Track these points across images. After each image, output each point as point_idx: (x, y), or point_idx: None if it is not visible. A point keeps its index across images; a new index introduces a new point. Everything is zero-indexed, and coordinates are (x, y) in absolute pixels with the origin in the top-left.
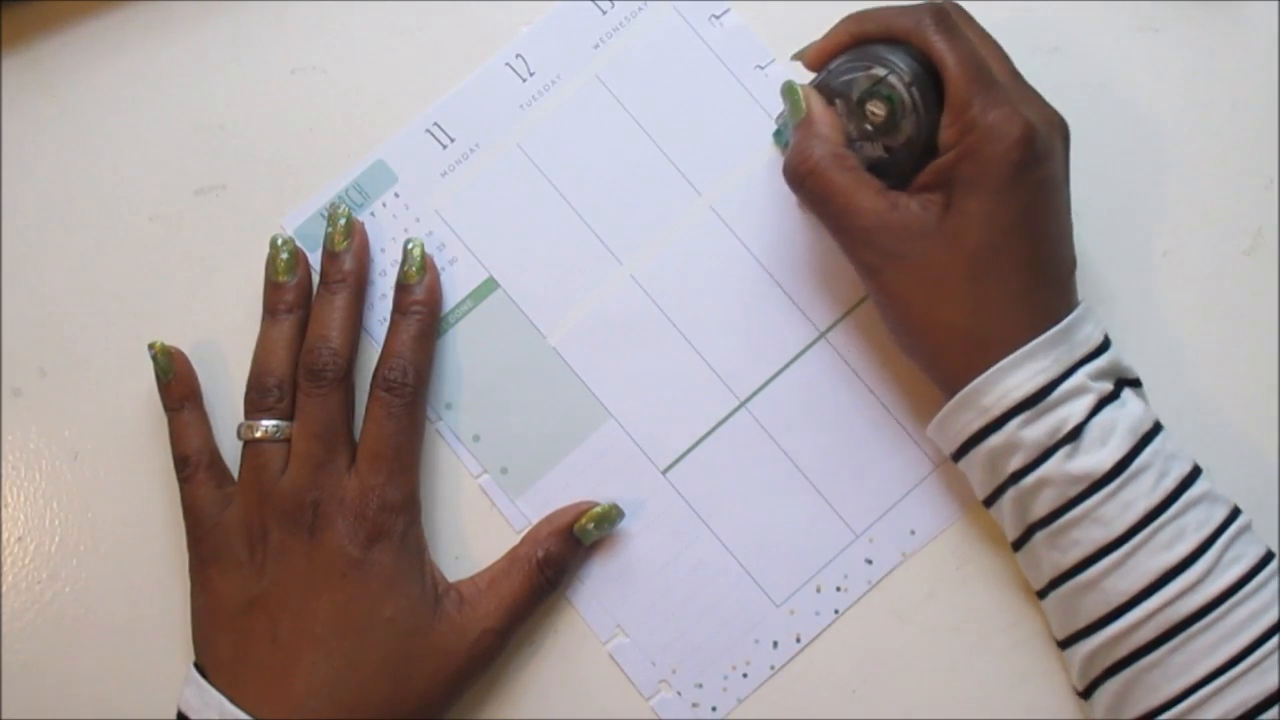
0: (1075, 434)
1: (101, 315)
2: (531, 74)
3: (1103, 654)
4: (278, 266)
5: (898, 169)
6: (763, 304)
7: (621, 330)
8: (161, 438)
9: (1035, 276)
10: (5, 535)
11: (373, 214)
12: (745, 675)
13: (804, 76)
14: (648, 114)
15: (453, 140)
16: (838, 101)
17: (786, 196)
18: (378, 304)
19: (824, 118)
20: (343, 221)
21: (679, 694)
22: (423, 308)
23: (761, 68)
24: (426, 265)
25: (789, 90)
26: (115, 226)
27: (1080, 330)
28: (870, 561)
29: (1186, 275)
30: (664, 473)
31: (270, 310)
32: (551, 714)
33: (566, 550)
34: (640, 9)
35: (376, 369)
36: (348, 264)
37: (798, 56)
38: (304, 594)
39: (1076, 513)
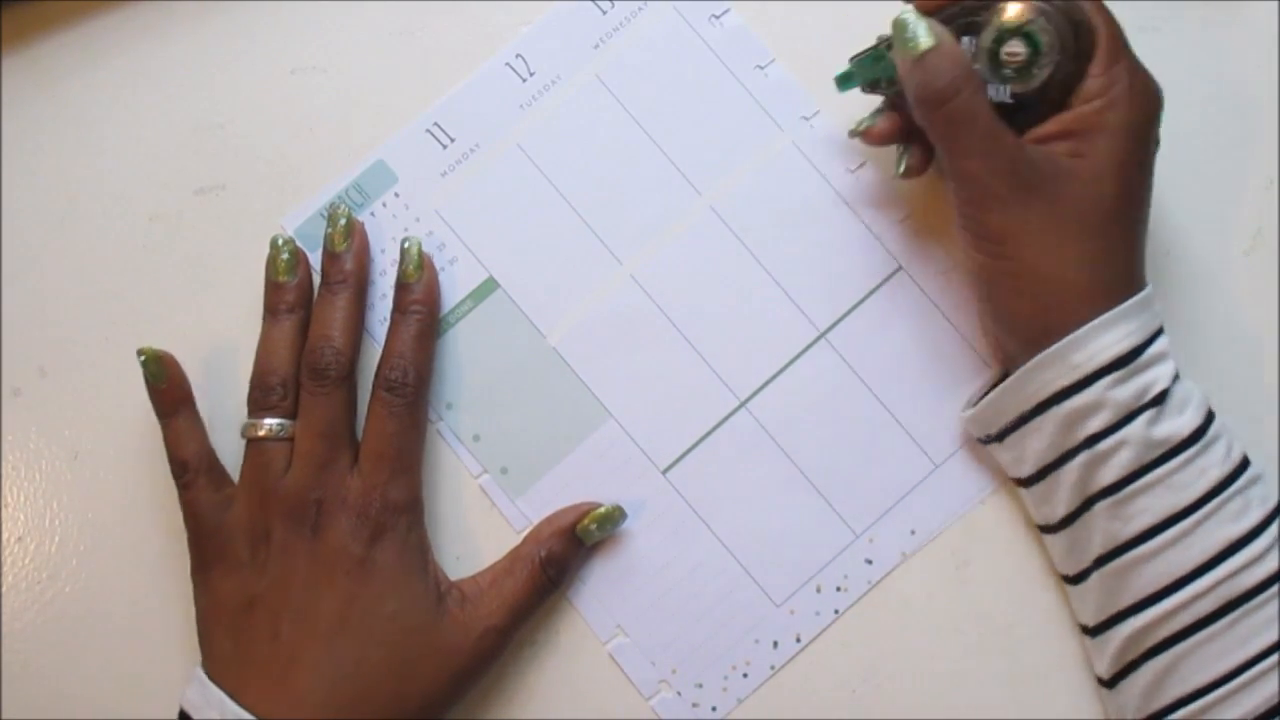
0: (1162, 398)
1: (101, 315)
2: (531, 74)
3: (1150, 632)
4: (278, 267)
5: (1022, 117)
6: (763, 304)
7: (621, 330)
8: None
9: (1137, 237)
10: (5, 535)
11: (373, 214)
12: (745, 675)
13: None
14: (648, 114)
15: (453, 140)
16: (964, 39)
17: (787, 196)
18: (378, 304)
19: (955, 46)
20: (343, 222)
21: (679, 694)
22: (421, 307)
23: (761, 68)
24: (424, 264)
25: (905, 20)
26: (115, 226)
27: (1155, 302)
28: (870, 561)
29: (1186, 275)
30: (664, 473)
31: (271, 310)
32: (551, 714)
33: (568, 550)
34: (640, 9)
35: (378, 369)
36: (348, 264)
37: None
38: (306, 592)
39: (1151, 477)
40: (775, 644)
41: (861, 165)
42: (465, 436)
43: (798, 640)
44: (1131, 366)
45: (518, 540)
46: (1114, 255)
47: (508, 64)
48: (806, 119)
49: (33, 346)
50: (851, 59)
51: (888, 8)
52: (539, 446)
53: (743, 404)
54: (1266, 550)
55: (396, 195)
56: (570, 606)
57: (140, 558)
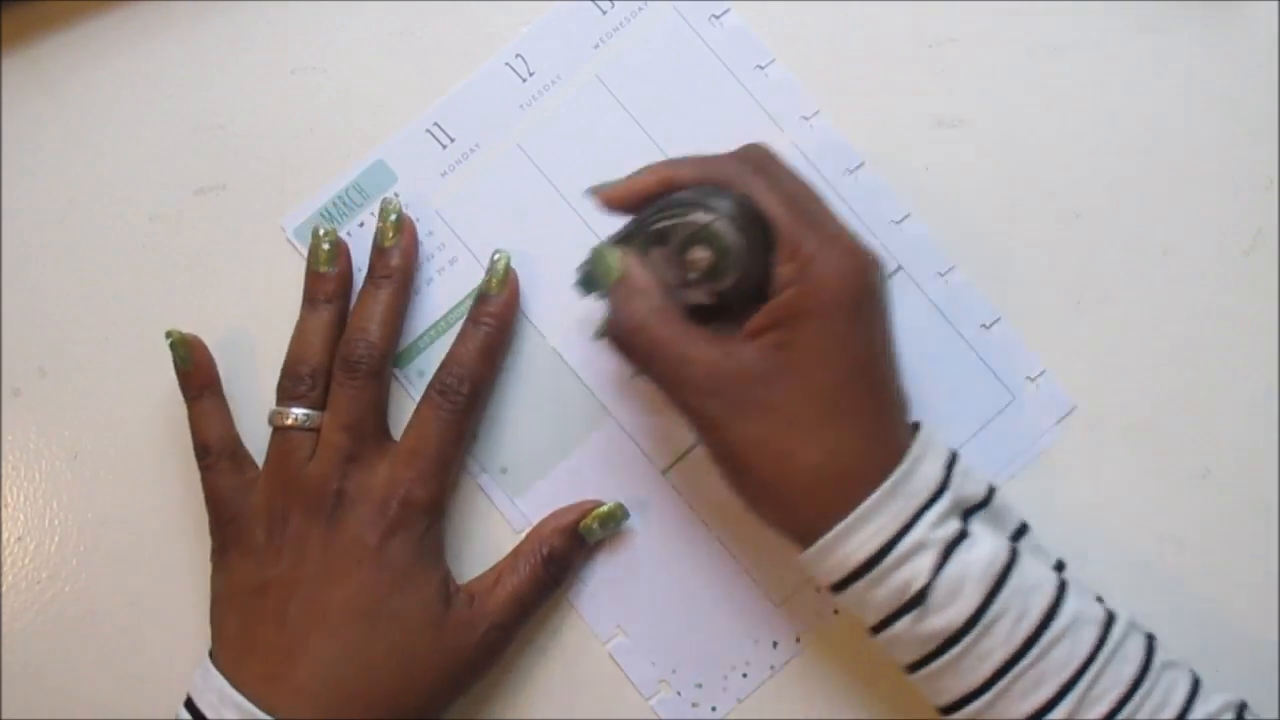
0: (921, 596)
1: (101, 315)
2: (531, 74)
3: None
4: (320, 257)
5: (726, 314)
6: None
7: None
8: (161, 437)
9: (884, 406)
10: (5, 535)
11: (372, 213)
12: (745, 675)
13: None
14: (648, 114)
15: (453, 140)
16: (653, 250)
17: None
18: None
19: (641, 272)
20: (393, 217)
21: (679, 694)
22: (493, 320)
23: (761, 68)
24: (509, 280)
25: (600, 253)
26: (115, 226)
27: (919, 472)
28: None
29: (1186, 275)
30: (664, 473)
31: (310, 299)
32: (552, 714)
33: (571, 548)
34: (640, 9)
35: (437, 371)
36: (395, 259)
37: (596, 192)
38: (317, 580)
39: (935, 666)
40: (775, 644)
41: (861, 165)
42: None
43: (797, 640)
44: (881, 568)
45: (518, 540)
46: (851, 439)
47: (508, 64)
48: (806, 119)
49: (33, 346)
50: (577, 269)
51: (888, 7)
52: (539, 446)
53: None
54: (1069, 717)
55: (396, 195)
56: (570, 606)
57: (140, 557)
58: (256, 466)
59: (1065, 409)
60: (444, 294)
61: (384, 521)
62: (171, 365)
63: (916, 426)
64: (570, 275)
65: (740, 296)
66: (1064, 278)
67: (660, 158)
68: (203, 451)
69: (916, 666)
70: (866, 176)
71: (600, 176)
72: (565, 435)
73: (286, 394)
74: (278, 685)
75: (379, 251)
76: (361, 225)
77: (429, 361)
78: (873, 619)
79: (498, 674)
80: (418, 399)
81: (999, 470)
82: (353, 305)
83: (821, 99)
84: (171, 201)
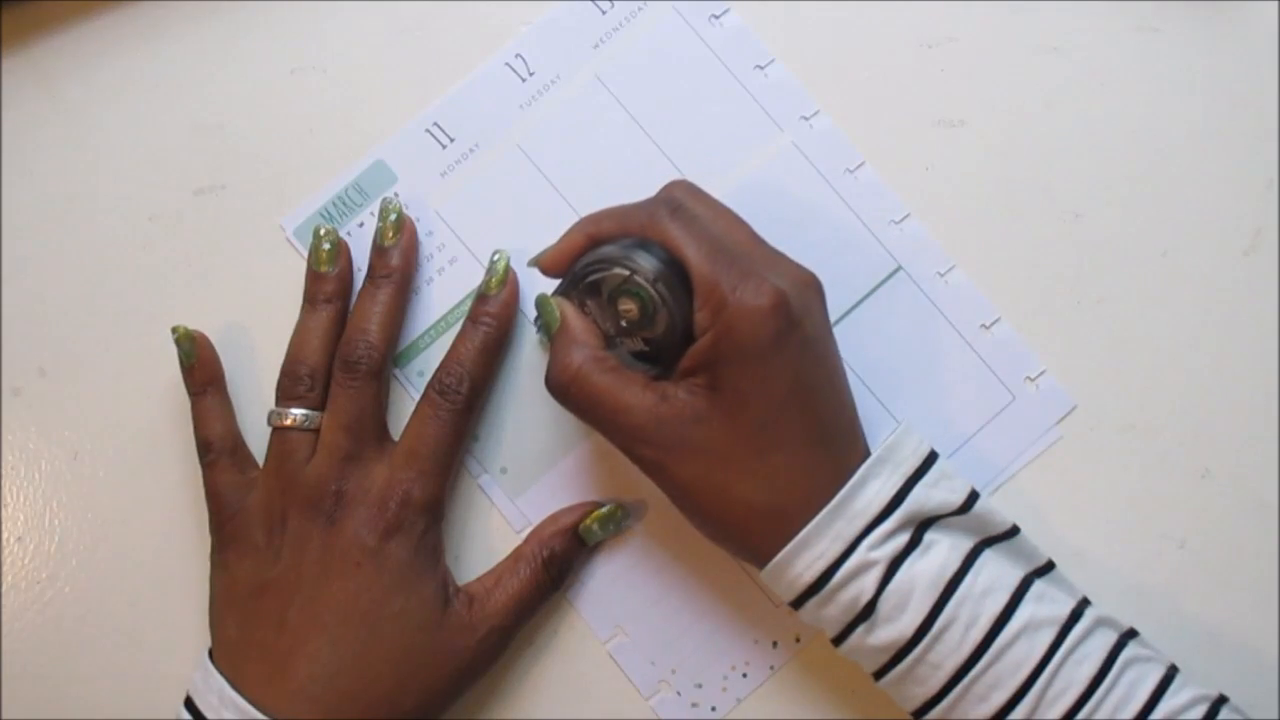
0: (869, 610)
1: (101, 315)
2: (531, 74)
3: None
4: (320, 257)
5: (662, 358)
6: None
7: None
8: (161, 437)
9: (819, 434)
10: (5, 535)
11: (372, 213)
12: (745, 675)
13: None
14: (648, 114)
15: (453, 140)
16: (589, 302)
17: (787, 196)
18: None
19: (577, 323)
20: (393, 217)
21: (679, 694)
22: (492, 320)
23: (761, 68)
24: (508, 280)
25: (542, 303)
26: (115, 226)
27: (863, 494)
28: None
29: (1186, 275)
30: None
31: (310, 300)
32: (551, 714)
33: (570, 550)
34: (640, 9)
35: (436, 371)
36: (395, 260)
37: (534, 263)
38: (316, 581)
39: (893, 676)
40: (775, 644)
41: (861, 165)
42: None
43: (797, 640)
44: (827, 589)
45: (518, 540)
46: (789, 470)
47: (507, 64)
48: (806, 119)
49: (33, 346)
50: (534, 320)
51: (888, 7)
52: (539, 446)
53: None
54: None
55: (396, 195)
56: (570, 606)
57: (140, 557)
58: (258, 465)
59: (1065, 409)
60: (444, 294)
61: (383, 522)
62: (173, 364)
63: (894, 433)
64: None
65: (673, 341)
66: (1064, 278)
67: (659, 157)
68: (204, 448)
69: (879, 675)
70: (866, 176)
71: (600, 176)
72: (565, 435)
73: (286, 394)
74: (277, 687)
75: (379, 252)
76: (361, 225)
77: (428, 361)
78: (830, 633)
79: (498, 674)
80: (418, 399)
81: (999, 470)
82: (353, 305)
83: (821, 99)
84: (171, 201)
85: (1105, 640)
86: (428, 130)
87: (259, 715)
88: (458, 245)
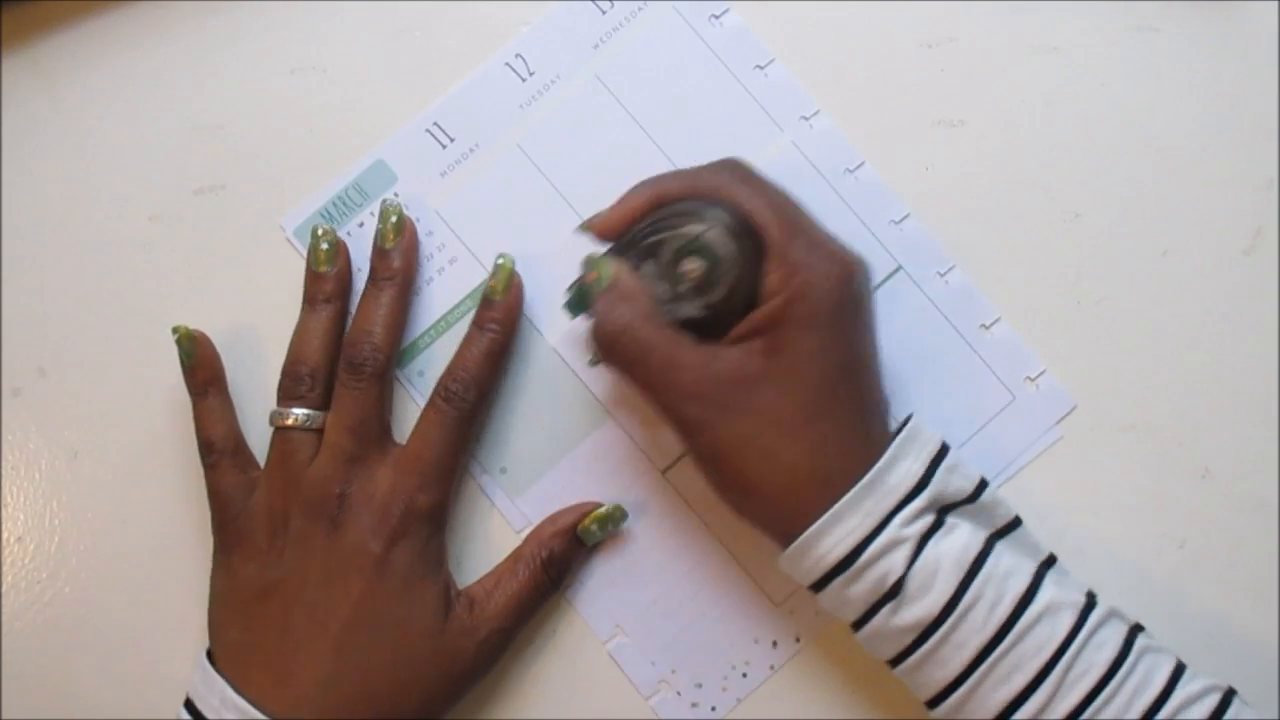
0: (897, 589)
1: (101, 315)
2: (531, 74)
3: None
4: (318, 257)
5: (716, 325)
6: None
7: None
8: (161, 437)
9: (865, 407)
10: (5, 535)
11: (372, 213)
12: (745, 675)
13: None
14: (648, 114)
15: (452, 140)
16: (644, 265)
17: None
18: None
19: (630, 281)
20: (394, 219)
21: (679, 694)
22: (497, 325)
23: (761, 68)
24: (512, 284)
25: (596, 262)
26: (115, 226)
27: (896, 470)
28: None
29: (1186, 275)
30: (664, 473)
31: (309, 300)
32: (551, 714)
33: (569, 550)
34: (640, 9)
35: (442, 376)
36: (397, 261)
37: (587, 227)
38: (320, 585)
39: (914, 659)
40: (775, 644)
41: (861, 165)
42: None
43: (797, 640)
44: (857, 565)
45: (517, 540)
46: (836, 439)
47: (507, 64)
48: (806, 119)
49: (33, 346)
50: (568, 289)
51: (888, 7)
52: (539, 446)
53: None
54: (1044, 705)
55: (396, 195)
56: (570, 606)
57: (140, 558)
58: (259, 466)
59: (1065, 409)
60: (444, 294)
61: (387, 529)
62: (173, 364)
63: (909, 419)
64: (570, 276)
65: (729, 308)
66: (1064, 278)
67: (659, 157)
68: (206, 449)
69: (898, 661)
70: (866, 176)
71: (600, 176)
72: (565, 435)
73: (287, 394)
74: (279, 690)
75: (380, 253)
76: (361, 225)
77: (429, 362)
78: (852, 615)
79: (497, 674)
80: (418, 399)
81: (999, 470)
82: (353, 305)
83: (821, 99)
84: (171, 202)
85: (1119, 628)
86: (428, 130)
87: (261, 718)
88: (458, 245)
